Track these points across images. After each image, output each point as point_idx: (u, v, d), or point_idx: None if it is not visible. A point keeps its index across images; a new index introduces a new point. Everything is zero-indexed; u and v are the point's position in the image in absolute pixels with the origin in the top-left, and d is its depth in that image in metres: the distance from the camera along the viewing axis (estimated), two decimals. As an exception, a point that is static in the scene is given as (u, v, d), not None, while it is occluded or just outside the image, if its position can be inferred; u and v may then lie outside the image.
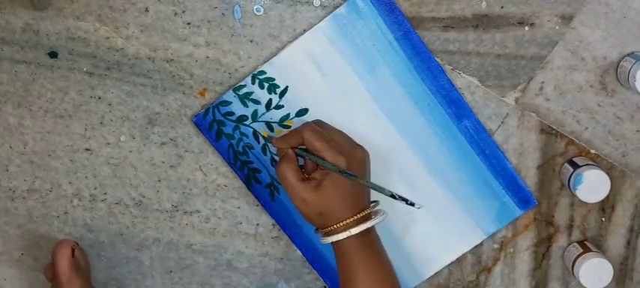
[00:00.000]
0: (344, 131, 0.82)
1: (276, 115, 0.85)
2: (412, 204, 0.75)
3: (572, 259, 0.85)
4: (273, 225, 0.88)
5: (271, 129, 0.85)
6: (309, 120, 0.84)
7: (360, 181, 0.76)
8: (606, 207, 0.87)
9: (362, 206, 0.77)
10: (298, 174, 0.76)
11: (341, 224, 0.75)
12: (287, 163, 0.77)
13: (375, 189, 0.77)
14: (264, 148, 0.85)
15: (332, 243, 0.76)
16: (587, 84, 0.84)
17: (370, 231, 0.77)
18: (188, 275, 0.90)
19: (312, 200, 0.75)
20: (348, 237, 0.75)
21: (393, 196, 0.76)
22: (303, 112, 0.85)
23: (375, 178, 0.85)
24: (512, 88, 0.84)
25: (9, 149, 0.87)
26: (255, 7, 0.83)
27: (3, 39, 0.84)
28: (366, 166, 0.80)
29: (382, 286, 0.76)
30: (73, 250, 0.81)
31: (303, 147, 0.79)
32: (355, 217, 0.75)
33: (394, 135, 0.85)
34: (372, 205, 0.79)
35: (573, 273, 0.85)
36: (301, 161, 0.80)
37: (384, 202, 0.82)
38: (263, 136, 0.85)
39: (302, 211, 0.77)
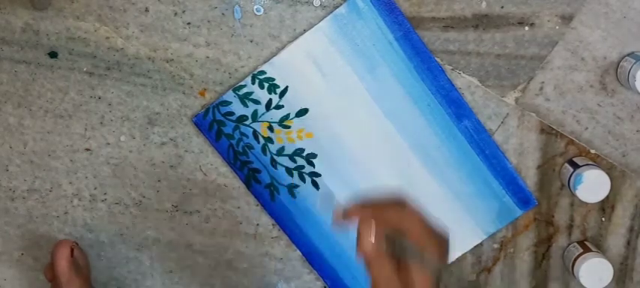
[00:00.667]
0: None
1: (276, 115, 0.85)
2: None
3: (572, 259, 0.85)
4: (273, 225, 0.88)
5: (272, 129, 0.85)
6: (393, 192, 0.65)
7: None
8: (606, 207, 0.87)
9: None
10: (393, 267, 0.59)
11: None
12: (387, 261, 0.59)
13: None
14: (264, 148, 0.86)
15: None
16: (587, 84, 0.84)
17: None
18: (188, 275, 0.90)
19: None
20: None
21: None
22: (303, 112, 0.85)
23: (375, 178, 0.85)
24: (512, 88, 0.84)
25: (9, 149, 0.87)
26: (255, 7, 0.83)
27: (3, 39, 0.84)
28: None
29: None
30: (72, 250, 0.80)
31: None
32: None
33: (394, 135, 0.85)
34: None
35: (573, 273, 0.85)
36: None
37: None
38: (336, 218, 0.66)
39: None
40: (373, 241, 0.58)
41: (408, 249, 0.59)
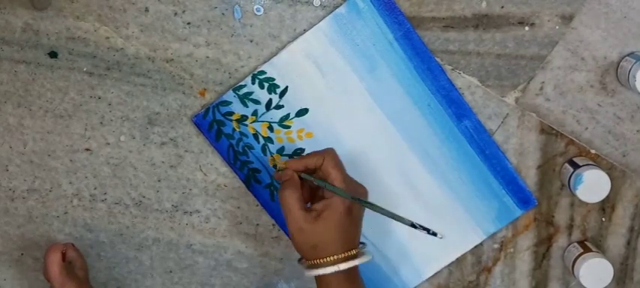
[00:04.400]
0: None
1: (276, 115, 0.85)
2: (434, 234, 0.74)
3: (573, 259, 0.85)
4: (273, 225, 0.88)
5: (272, 129, 0.85)
6: (325, 145, 0.82)
7: (375, 209, 0.75)
8: (606, 207, 0.87)
9: (353, 245, 0.77)
10: (301, 202, 0.75)
11: (330, 259, 0.75)
12: (292, 189, 0.76)
13: (392, 218, 0.75)
14: (263, 148, 0.86)
15: (316, 276, 0.76)
16: (588, 84, 0.84)
17: (354, 267, 0.77)
18: (188, 275, 0.90)
19: (309, 231, 0.75)
20: (335, 272, 0.75)
21: (413, 225, 0.75)
22: (303, 112, 0.85)
23: (375, 178, 0.85)
24: (513, 88, 0.84)
25: (9, 149, 0.87)
26: (255, 7, 0.83)
27: (3, 39, 0.84)
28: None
29: None
30: (63, 254, 0.80)
31: (307, 174, 0.78)
32: (345, 254, 0.75)
33: (394, 135, 0.85)
34: (361, 246, 0.79)
35: (573, 273, 0.85)
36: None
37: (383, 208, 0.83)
38: (273, 165, 0.85)
39: (296, 239, 0.76)
40: (290, 191, 0.75)
41: (320, 183, 0.76)
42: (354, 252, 0.76)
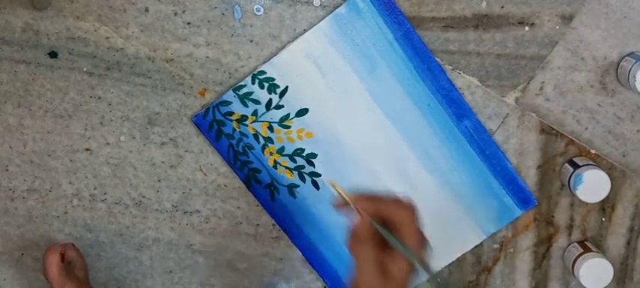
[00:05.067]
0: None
1: (276, 115, 0.85)
2: None
3: (573, 259, 0.85)
4: (273, 225, 0.88)
5: (272, 129, 0.85)
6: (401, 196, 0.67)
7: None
8: (606, 207, 0.87)
9: None
10: (378, 263, 0.63)
11: None
12: (369, 246, 0.63)
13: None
14: (263, 148, 0.86)
15: None
16: (588, 84, 0.84)
17: None
18: (188, 275, 0.90)
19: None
20: None
21: None
22: (303, 112, 0.85)
23: (375, 178, 0.85)
24: (513, 88, 0.84)
25: (9, 149, 0.87)
26: (255, 7, 0.83)
27: (3, 39, 0.84)
28: None
29: None
30: (62, 255, 0.80)
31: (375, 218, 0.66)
32: None
33: (394, 135, 0.85)
34: None
35: (573, 273, 0.85)
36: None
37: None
38: (338, 192, 0.68)
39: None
40: (361, 226, 0.63)
41: (392, 239, 0.63)
42: None
